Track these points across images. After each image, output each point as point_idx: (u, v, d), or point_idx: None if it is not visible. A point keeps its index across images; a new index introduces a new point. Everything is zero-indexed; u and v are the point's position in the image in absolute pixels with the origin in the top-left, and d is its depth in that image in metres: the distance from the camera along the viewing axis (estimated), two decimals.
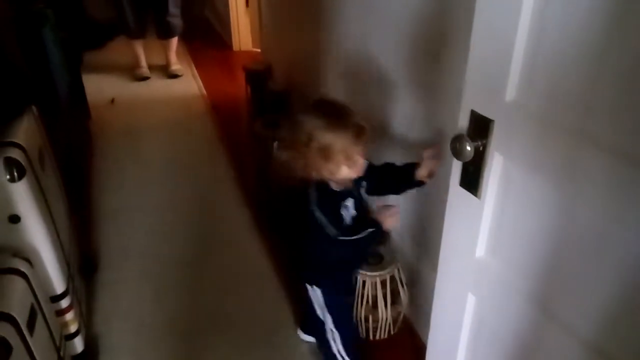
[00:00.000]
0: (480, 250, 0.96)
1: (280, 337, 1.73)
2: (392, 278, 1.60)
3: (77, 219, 1.90)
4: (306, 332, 1.70)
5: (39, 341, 1.15)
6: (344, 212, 1.28)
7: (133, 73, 3.77)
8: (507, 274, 0.92)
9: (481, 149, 0.86)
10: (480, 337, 1.06)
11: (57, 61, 2.36)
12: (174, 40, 3.74)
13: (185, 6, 3.68)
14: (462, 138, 0.86)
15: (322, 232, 1.24)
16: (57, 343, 1.33)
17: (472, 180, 0.91)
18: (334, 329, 1.45)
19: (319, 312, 1.46)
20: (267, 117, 2.52)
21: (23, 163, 1.26)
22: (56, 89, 2.32)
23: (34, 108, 1.52)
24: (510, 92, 0.79)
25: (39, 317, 1.20)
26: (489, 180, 0.88)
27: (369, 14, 1.76)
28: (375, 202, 1.44)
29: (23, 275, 1.18)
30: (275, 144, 2.31)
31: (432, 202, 1.53)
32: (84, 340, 1.56)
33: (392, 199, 1.56)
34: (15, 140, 1.29)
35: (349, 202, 1.29)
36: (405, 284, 1.64)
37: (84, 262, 1.86)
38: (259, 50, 3.92)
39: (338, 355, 1.48)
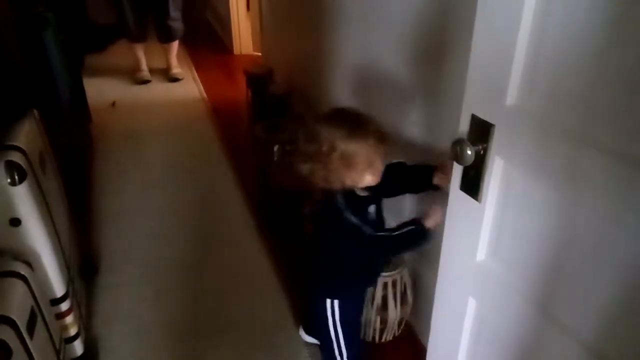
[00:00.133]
0: (481, 254, 0.96)
1: (281, 338, 1.73)
2: (401, 279, 1.61)
3: (78, 221, 1.90)
4: (309, 333, 1.70)
5: (38, 344, 1.15)
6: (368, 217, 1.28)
7: (134, 76, 3.77)
8: (508, 277, 0.92)
9: (482, 153, 0.86)
10: (480, 340, 1.06)
11: (58, 64, 2.36)
12: (175, 44, 3.75)
13: (186, 10, 3.69)
14: (462, 142, 0.86)
15: (358, 234, 1.22)
16: (57, 346, 1.32)
17: (472, 184, 0.91)
18: (343, 348, 1.45)
19: (331, 329, 1.44)
20: (268, 120, 2.52)
21: (24, 166, 1.26)
22: (57, 92, 2.32)
23: (35, 111, 1.52)
24: (511, 96, 0.79)
25: (39, 320, 1.20)
26: (489, 184, 0.88)
27: (370, 17, 1.76)
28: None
29: (23, 279, 1.18)
30: (276, 147, 2.32)
31: (432, 205, 1.53)
32: (84, 343, 1.56)
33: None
34: (16, 144, 1.29)
35: (371, 209, 1.29)
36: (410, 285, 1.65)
37: (84, 264, 1.86)
38: (259, 53, 3.93)
39: None
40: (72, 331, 1.49)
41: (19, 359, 1.03)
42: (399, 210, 1.66)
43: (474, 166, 0.88)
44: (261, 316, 1.82)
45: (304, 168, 1.20)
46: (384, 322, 1.64)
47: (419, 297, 1.68)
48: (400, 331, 1.71)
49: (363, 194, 1.26)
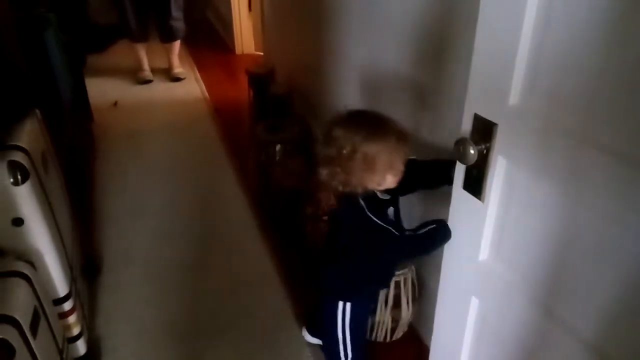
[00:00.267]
0: (484, 254, 0.97)
1: (282, 338, 1.73)
2: (411, 277, 1.61)
3: (80, 221, 1.90)
4: (313, 335, 1.70)
5: (41, 344, 1.15)
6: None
7: (136, 76, 3.78)
8: (511, 277, 0.92)
9: (485, 152, 0.86)
10: (483, 340, 1.06)
11: (59, 64, 2.37)
12: (177, 44, 3.75)
13: (187, 9, 3.69)
14: (465, 142, 0.86)
15: (387, 236, 1.21)
16: (60, 346, 1.33)
17: (475, 184, 0.91)
18: (349, 350, 1.44)
19: (339, 331, 1.43)
20: (270, 120, 2.52)
21: (26, 166, 1.26)
22: (59, 92, 2.32)
23: (37, 111, 1.52)
24: (514, 96, 0.79)
25: (42, 320, 1.20)
26: (492, 184, 0.88)
27: (371, 17, 1.76)
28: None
29: (26, 278, 1.19)
30: (278, 147, 2.32)
31: (435, 205, 1.53)
32: (87, 342, 1.56)
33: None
34: (19, 144, 1.30)
35: (390, 211, 1.28)
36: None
37: (86, 264, 1.86)
38: (261, 53, 3.93)
39: None
40: (75, 331, 1.50)
41: (22, 359, 1.04)
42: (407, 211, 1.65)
43: (477, 166, 0.88)
44: (262, 316, 1.82)
45: (323, 173, 1.18)
46: (395, 321, 1.64)
47: (421, 296, 1.67)
48: (406, 329, 1.71)
49: (384, 197, 1.25)
